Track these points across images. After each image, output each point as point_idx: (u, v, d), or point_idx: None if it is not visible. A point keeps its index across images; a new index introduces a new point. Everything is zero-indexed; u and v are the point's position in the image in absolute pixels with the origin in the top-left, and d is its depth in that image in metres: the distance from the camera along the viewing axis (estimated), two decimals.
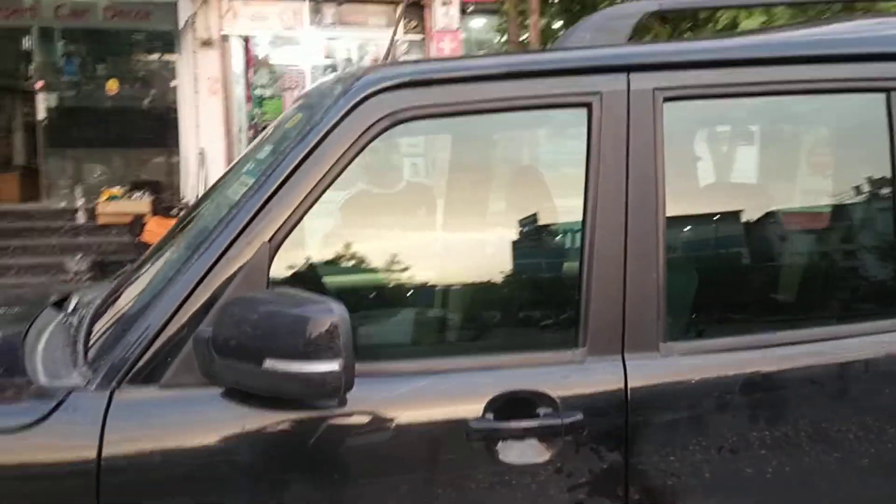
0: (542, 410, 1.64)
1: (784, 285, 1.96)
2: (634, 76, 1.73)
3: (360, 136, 1.62)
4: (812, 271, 1.99)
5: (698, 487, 1.70)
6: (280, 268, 1.64)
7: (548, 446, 1.64)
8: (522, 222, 1.94)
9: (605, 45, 1.83)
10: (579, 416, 1.63)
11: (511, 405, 1.64)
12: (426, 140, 2.02)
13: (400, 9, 9.95)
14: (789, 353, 1.73)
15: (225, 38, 10.81)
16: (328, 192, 1.64)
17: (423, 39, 11.36)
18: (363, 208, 2.11)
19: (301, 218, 1.61)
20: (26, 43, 11.25)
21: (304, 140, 1.62)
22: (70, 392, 1.54)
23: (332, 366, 1.40)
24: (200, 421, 1.55)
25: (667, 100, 1.74)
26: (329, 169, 1.61)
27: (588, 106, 1.71)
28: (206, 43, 10.56)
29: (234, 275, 1.57)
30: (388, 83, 1.64)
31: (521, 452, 1.63)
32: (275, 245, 1.59)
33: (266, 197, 1.59)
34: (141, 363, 1.54)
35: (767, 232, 1.98)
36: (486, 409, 1.62)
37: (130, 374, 1.54)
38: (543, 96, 1.71)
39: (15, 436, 1.48)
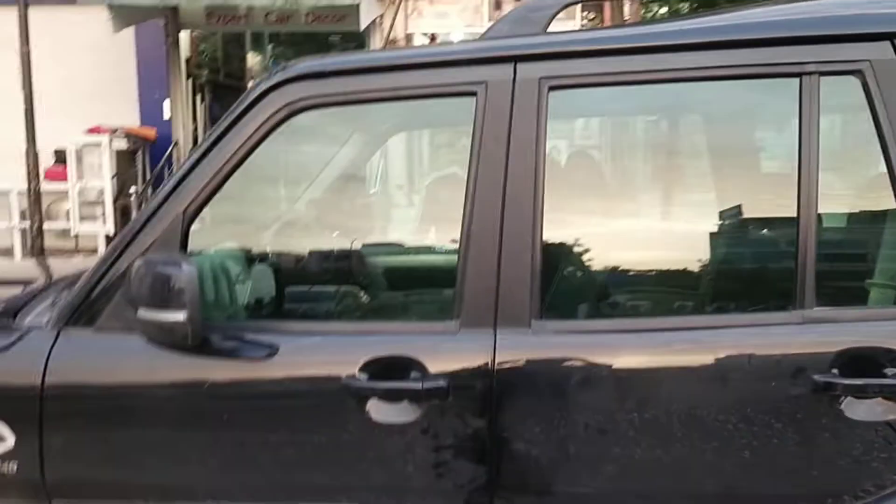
0: (412, 375, 1.79)
1: (660, 273, 1.93)
2: (521, 66, 1.81)
3: (262, 124, 1.86)
4: (688, 261, 1.94)
5: (563, 461, 1.76)
6: (196, 233, 1.92)
7: (413, 408, 1.78)
8: (412, 201, 2.08)
9: (505, 35, 1.91)
10: (442, 383, 1.75)
11: (386, 369, 1.80)
12: (331, 127, 2.22)
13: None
14: (661, 340, 1.74)
15: (409, 37, 11.44)
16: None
17: None
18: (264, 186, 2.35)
19: (213, 193, 1.88)
20: (243, 46, 12.65)
21: (218, 127, 1.89)
22: (30, 329, 1.94)
23: (178, 316, 1.67)
24: (121, 359, 1.88)
25: (552, 88, 1.80)
26: (235, 152, 1.87)
27: (474, 95, 1.82)
28: (392, 41, 11.23)
29: (155, 239, 1.88)
30: (287, 76, 1.87)
31: (388, 411, 1.79)
32: (189, 215, 1.88)
33: (183, 174, 1.89)
34: (81, 309, 1.90)
35: (646, 220, 1.96)
36: (360, 370, 1.80)
37: (73, 318, 1.91)
38: (432, 86, 1.85)
39: None
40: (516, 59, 1.82)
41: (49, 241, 9.73)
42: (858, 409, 1.67)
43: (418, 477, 1.80)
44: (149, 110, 11.44)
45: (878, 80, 1.69)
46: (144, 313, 1.71)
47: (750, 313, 1.79)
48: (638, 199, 2.00)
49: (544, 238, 1.78)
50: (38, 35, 9.53)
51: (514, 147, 1.79)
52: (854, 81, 1.71)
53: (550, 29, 1.94)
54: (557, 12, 1.97)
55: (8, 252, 9.48)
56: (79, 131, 10.20)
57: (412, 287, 2.07)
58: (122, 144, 10.48)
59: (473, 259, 1.80)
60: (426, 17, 11.44)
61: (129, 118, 11.20)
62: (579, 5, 11.36)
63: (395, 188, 2.19)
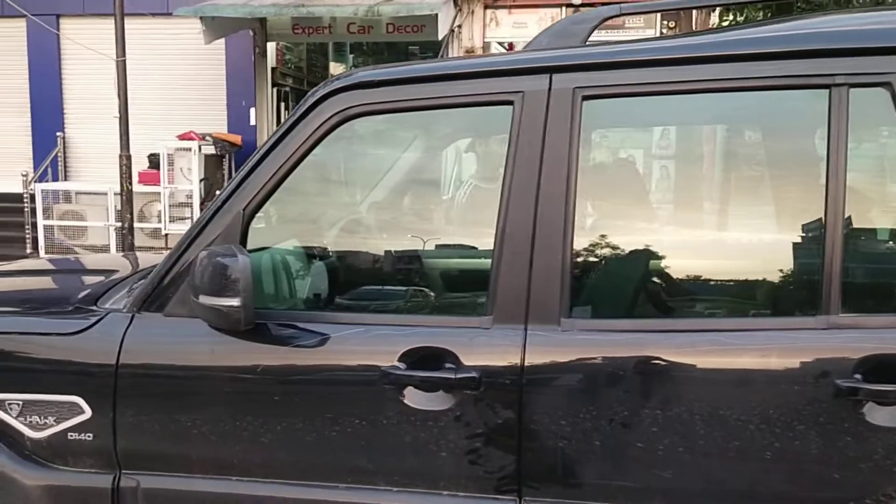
0: (447, 366, 1.90)
1: (687, 277, 1.98)
2: (556, 76, 1.91)
3: (315, 130, 2.01)
4: (716, 265, 1.99)
5: (588, 453, 1.84)
6: (256, 229, 2.09)
7: (446, 397, 1.90)
8: (451, 202, 2.19)
9: (546, 48, 2.01)
10: (474, 374, 1.87)
11: (423, 359, 1.92)
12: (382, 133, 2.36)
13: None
14: (687, 340, 1.80)
15: (486, 46, 11.57)
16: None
17: None
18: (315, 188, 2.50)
19: (271, 193, 2.05)
20: (326, 56, 13.05)
21: (276, 132, 2.06)
22: (109, 312, 2.15)
23: (233, 301, 1.84)
24: (185, 342, 2.07)
25: (586, 98, 1.89)
26: (291, 155, 2.03)
27: (511, 104, 1.93)
28: (469, 51, 11.39)
29: (218, 234, 2.06)
30: (340, 85, 2.02)
31: (423, 399, 1.91)
32: (249, 213, 2.05)
33: (244, 175, 2.06)
34: (153, 296, 2.10)
35: (675, 226, 2.02)
36: (399, 359, 1.92)
37: (146, 303, 2.11)
38: (472, 95, 1.97)
39: (72, 336, 2.12)
40: (552, 70, 1.92)
41: (142, 240, 10.28)
42: (881, 415, 1.69)
43: (450, 463, 1.91)
44: (236, 117, 11.94)
45: None
46: (204, 299, 1.89)
47: (776, 317, 1.83)
48: (668, 204, 2.07)
49: (575, 240, 1.88)
50: (136, 45, 10.12)
51: (548, 153, 1.89)
52: (883, 93, 1.74)
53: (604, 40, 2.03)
54: (597, 25, 2.06)
55: (105, 249, 10.07)
56: (171, 137, 10.77)
57: (451, 284, 2.19)
58: (210, 150, 10.98)
59: (507, 259, 1.90)
60: (503, 27, 11.56)
61: (218, 125, 11.73)
62: (659, 14, 11.30)
63: (439, 191, 2.32)
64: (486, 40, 11.55)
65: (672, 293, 2.00)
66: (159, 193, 10.69)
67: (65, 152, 12.12)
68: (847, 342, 1.73)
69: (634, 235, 2.07)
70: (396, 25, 11.75)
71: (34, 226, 10.62)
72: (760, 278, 1.98)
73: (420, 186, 2.45)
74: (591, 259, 2.01)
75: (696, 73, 1.83)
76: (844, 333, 1.73)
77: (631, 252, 2.06)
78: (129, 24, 9.39)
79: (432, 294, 2.22)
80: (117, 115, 8.53)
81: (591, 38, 2.01)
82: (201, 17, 9.97)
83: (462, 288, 2.19)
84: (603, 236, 2.04)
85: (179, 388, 2.06)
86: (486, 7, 11.44)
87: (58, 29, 11.79)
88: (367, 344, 1.97)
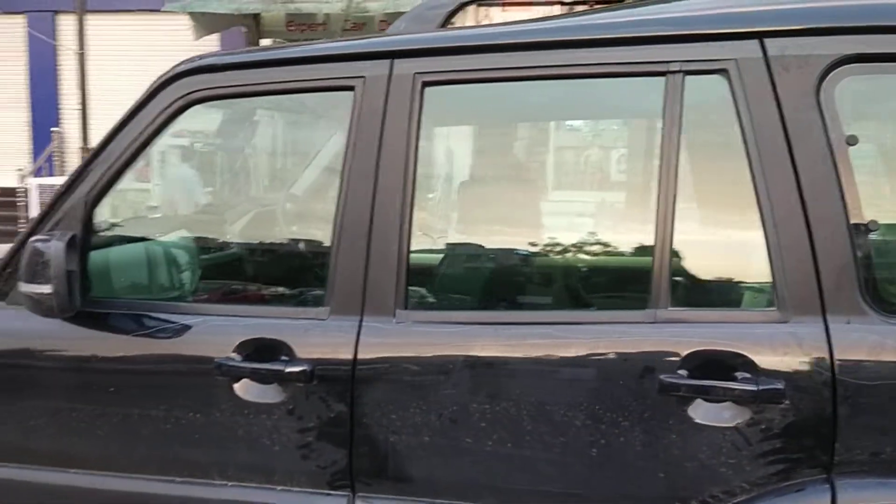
0: (281, 358, 1.85)
1: (522, 271, 1.93)
2: (398, 62, 1.86)
3: (159, 115, 1.97)
4: (550, 259, 1.93)
5: (419, 449, 1.78)
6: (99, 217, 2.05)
7: (280, 390, 1.85)
8: (292, 190, 2.14)
9: (401, 33, 1.96)
10: (306, 367, 1.81)
11: (258, 351, 1.87)
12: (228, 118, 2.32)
13: None
14: (519, 333, 1.74)
15: None
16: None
17: None
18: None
19: (114, 181, 2.00)
20: None
21: (121, 118, 2.02)
22: None
23: (44, 288, 1.80)
24: (23, 330, 2.02)
25: (427, 84, 1.83)
26: (133, 141, 1.98)
27: (353, 89, 1.88)
28: None
29: (59, 221, 2.02)
30: (183, 69, 1.97)
31: (256, 392, 1.86)
32: (91, 200, 2.00)
33: (87, 162, 2.02)
34: None
35: (513, 218, 1.97)
36: (234, 350, 1.88)
37: None
38: (314, 80, 1.92)
39: None
40: (393, 55, 1.86)
41: None
42: (706, 412, 1.62)
43: (284, 457, 1.86)
44: None
45: (744, 78, 1.65)
46: (22, 286, 1.85)
47: (605, 311, 1.77)
48: (506, 196, 2.00)
49: (412, 232, 1.82)
50: (129, 40, 10.17)
51: (387, 141, 1.83)
52: (720, 80, 1.67)
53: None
54: (455, 11, 2.00)
55: None
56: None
57: (293, 275, 2.15)
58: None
59: (344, 249, 1.85)
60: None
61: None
62: None
63: (284, 180, 2.29)
64: None
65: (508, 286, 1.94)
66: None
67: (60, 147, 12.22)
68: (674, 336, 1.65)
69: (472, 228, 2.01)
70: (389, 21, 11.73)
71: (28, 220, 10.72)
72: (595, 272, 1.91)
73: (280, 175, 2.41)
74: (429, 251, 1.95)
75: (536, 59, 1.76)
76: (671, 328, 1.66)
77: (469, 245, 2.00)
78: (121, 20, 9.46)
79: (277, 286, 2.17)
80: (81, 107, 8.50)
81: None
82: (190, 13, 10.01)
83: (305, 280, 2.14)
84: (441, 228, 1.98)
85: (18, 378, 2.02)
86: (479, 4, 11.37)
87: (54, 26, 11.90)
88: (202, 334, 1.92)
